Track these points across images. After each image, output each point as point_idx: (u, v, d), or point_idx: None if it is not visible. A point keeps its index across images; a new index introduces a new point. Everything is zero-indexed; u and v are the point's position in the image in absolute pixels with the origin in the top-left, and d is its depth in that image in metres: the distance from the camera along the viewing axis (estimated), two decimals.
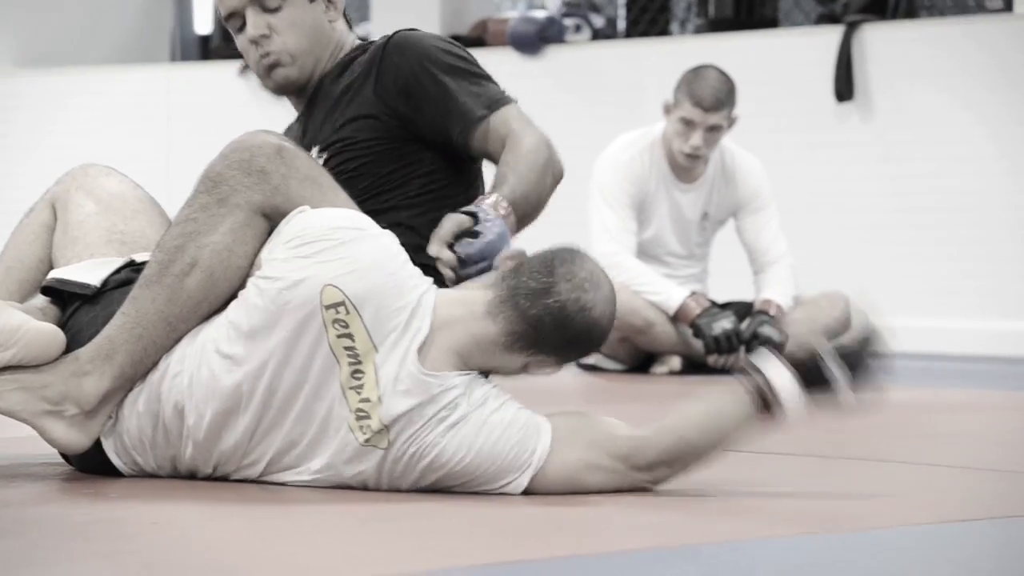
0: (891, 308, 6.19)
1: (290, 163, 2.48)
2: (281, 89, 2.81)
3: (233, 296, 2.47)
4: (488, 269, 2.49)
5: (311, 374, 2.40)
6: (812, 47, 6.40)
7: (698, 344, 4.99)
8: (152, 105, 8.05)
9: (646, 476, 2.42)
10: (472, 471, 2.40)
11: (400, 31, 2.77)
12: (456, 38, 7.40)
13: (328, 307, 2.39)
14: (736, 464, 2.82)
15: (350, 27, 2.86)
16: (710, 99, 5.00)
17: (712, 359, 4.97)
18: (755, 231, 5.16)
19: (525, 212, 2.60)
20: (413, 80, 2.70)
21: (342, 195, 2.53)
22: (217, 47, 8.34)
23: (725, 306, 5.17)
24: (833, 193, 6.30)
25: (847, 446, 3.25)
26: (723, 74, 5.09)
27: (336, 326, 2.39)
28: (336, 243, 2.41)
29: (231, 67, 7.77)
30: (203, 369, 2.44)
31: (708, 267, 5.33)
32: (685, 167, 5.13)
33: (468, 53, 2.78)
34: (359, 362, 2.39)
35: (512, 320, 2.39)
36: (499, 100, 2.71)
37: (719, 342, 4.91)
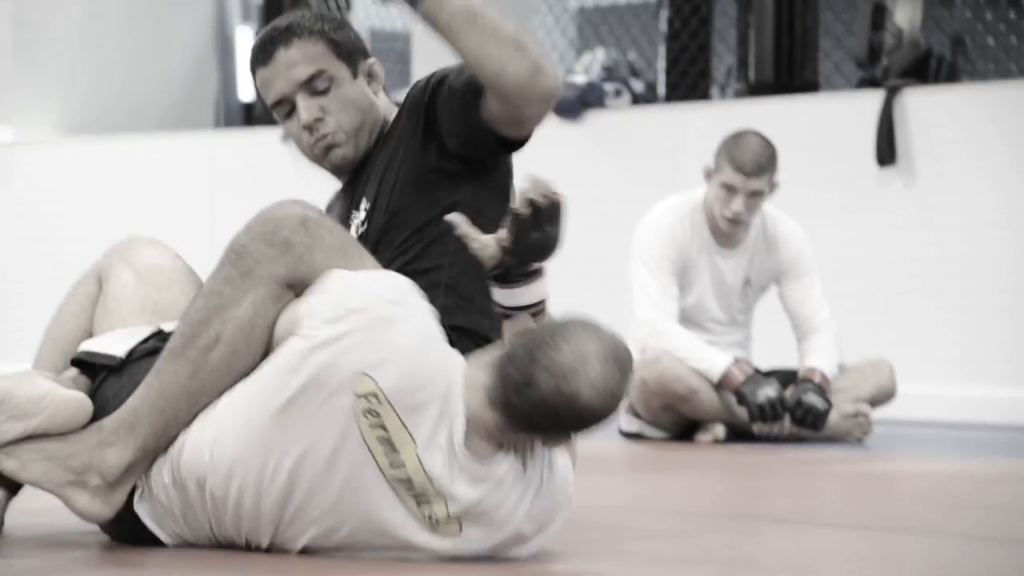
0: (932, 375, 6.16)
1: (314, 233, 2.48)
2: (338, 169, 2.81)
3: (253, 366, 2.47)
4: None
5: (340, 464, 2.39)
6: (853, 111, 6.39)
7: (742, 412, 4.96)
8: (196, 171, 8.10)
9: None
10: (541, 534, 2.43)
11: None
12: None
13: (360, 396, 2.38)
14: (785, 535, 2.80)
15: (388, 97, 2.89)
16: (751, 164, 4.99)
17: (757, 427, 4.93)
18: (798, 297, 5.14)
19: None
20: (429, 95, 2.71)
21: (370, 262, 2.53)
22: (260, 114, 8.40)
23: (769, 374, 5.14)
24: (875, 258, 6.27)
25: (898, 517, 3.22)
26: (764, 139, 5.08)
27: (368, 415, 2.38)
28: (377, 320, 2.40)
29: (274, 133, 7.82)
30: (224, 444, 2.43)
31: (751, 333, 5.30)
32: (726, 233, 5.11)
33: None
34: (396, 451, 2.38)
35: (507, 412, 2.36)
36: None
37: (763, 410, 4.88)
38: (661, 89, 7.55)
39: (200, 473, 2.44)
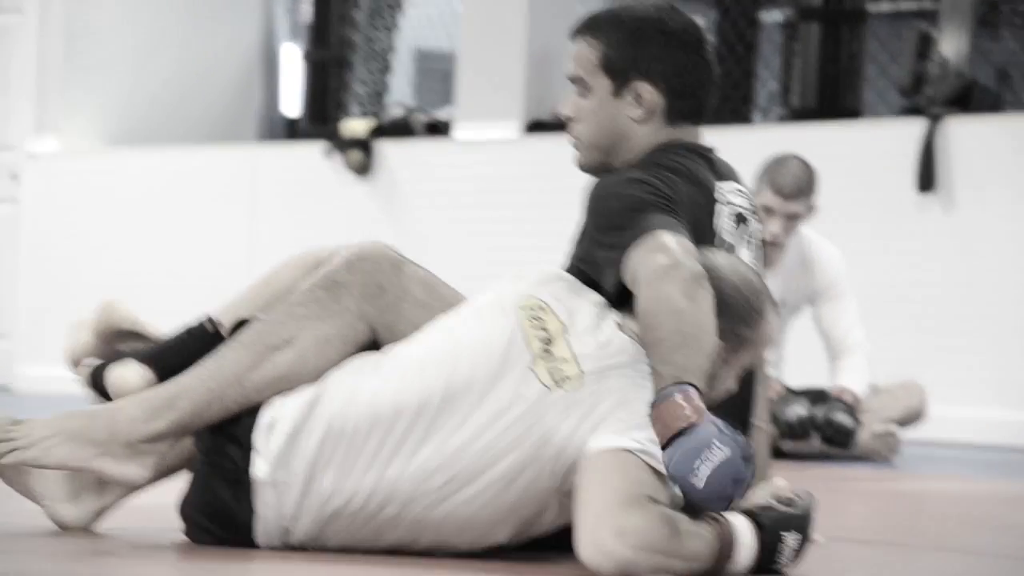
0: (965, 400, 6.13)
1: (406, 286, 2.53)
2: (580, 170, 2.76)
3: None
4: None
5: (500, 359, 2.46)
6: (895, 138, 6.38)
7: (771, 429, 4.96)
8: (238, 184, 8.16)
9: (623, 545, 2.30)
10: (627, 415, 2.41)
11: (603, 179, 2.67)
12: (539, 124, 7.51)
13: (523, 308, 2.49)
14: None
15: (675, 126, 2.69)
16: (790, 187, 5.00)
17: (786, 444, 4.94)
18: (832, 319, 5.14)
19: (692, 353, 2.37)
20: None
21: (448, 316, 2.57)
22: (304, 128, 8.46)
23: (799, 393, 5.14)
24: (911, 283, 6.26)
25: (923, 534, 3.21)
26: (805, 163, 5.09)
27: (532, 321, 2.48)
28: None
29: (317, 148, 7.87)
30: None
31: (783, 354, 5.30)
32: (764, 255, 5.12)
33: (632, 191, 2.57)
34: (550, 342, 2.46)
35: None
36: (621, 247, 2.50)
37: (793, 427, 4.89)
38: None
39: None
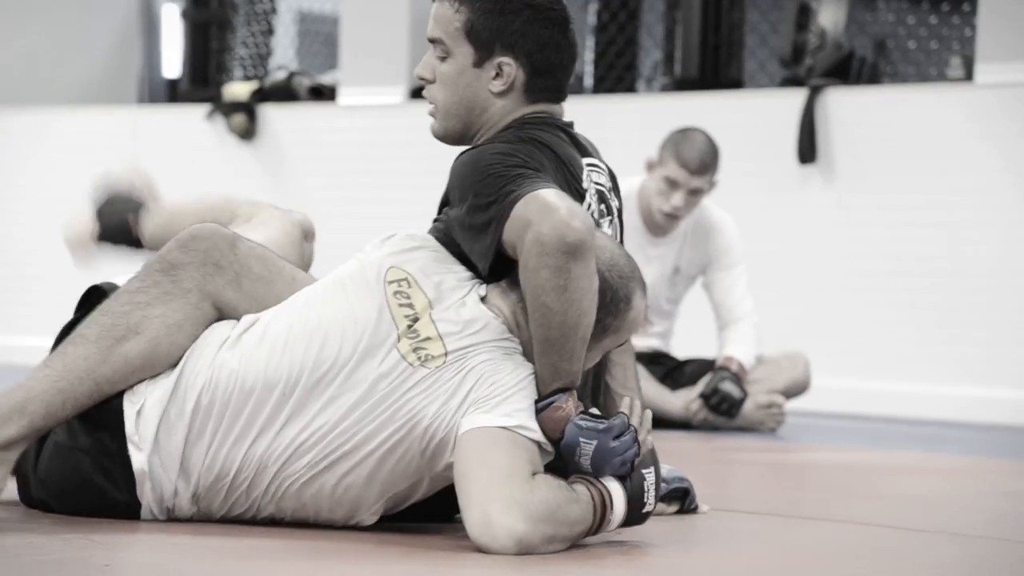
0: (846, 371, 6.24)
1: (244, 261, 2.53)
2: (436, 138, 2.72)
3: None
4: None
5: (365, 338, 2.48)
6: (776, 109, 6.45)
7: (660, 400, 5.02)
8: (118, 147, 8.05)
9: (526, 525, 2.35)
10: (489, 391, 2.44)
11: (466, 151, 2.62)
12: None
13: (390, 283, 2.50)
14: (693, 521, 2.84)
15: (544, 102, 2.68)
16: (696, 162, 5.03)
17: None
18: (724, 288, 5.18)
19: (556, 335, 2.42)
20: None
21: (293, 293, 2.56)
22: (185, 91, 8.35)
23: (686, 363, 5.20)
24: (794, 253, 6.35)
25: (804, 505, 3.27)
26: (710, 139, 5.12)
27: (398, 296, 2.49)
28: (399, 240, 2.58)
29: (199, 111, 7.78)
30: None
31: (674, 327, 5.35)
32: (660, 225, 5.16)
33: (499, 160, 2.54)
34: (416, 320, 2.48)
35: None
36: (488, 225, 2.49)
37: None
38: (588, 81, 7.59)
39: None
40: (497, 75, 2.65)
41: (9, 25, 8.50)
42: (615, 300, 2.50)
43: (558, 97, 2.71)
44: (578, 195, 2.63)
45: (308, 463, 2.46)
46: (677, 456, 4.18)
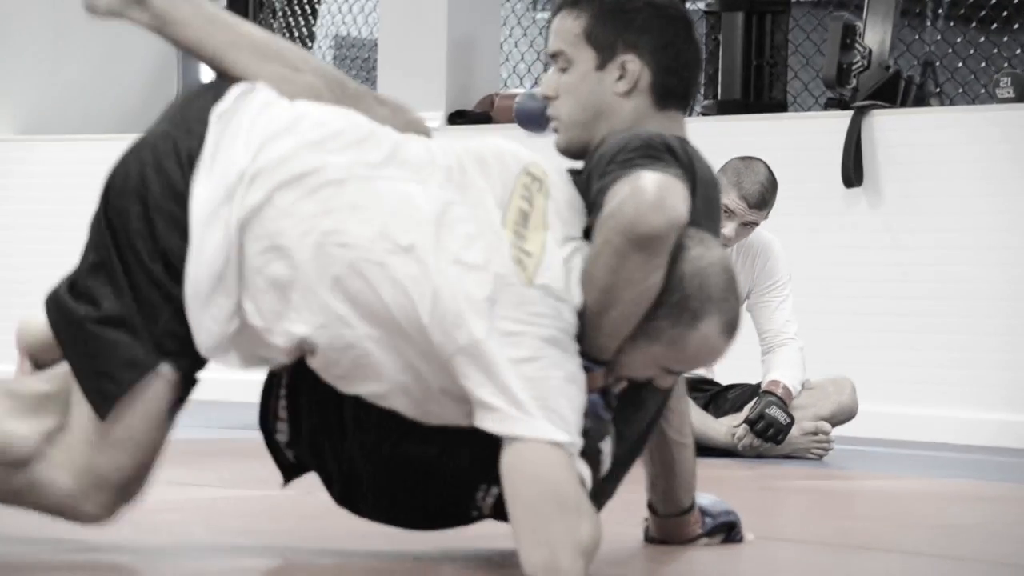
0: (895, 397, 6.14)
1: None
2: (561, 153, 2.62)
3: None
4: None
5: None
6: (821, 131, 6.37)
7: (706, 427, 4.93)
8: None
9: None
10: None
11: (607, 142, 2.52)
12: (461, 114, 7.42)
13: (527, 174, 2.39)
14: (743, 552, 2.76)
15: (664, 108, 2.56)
16: (756, 197, 4.96)
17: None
18: (769, 311, 5.09)
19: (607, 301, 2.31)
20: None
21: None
22: None
23: (729, 389, 5.12)
24: (839, 277, 6.26)
25: (853, 534, 3.19)
26: (771, 173, 5.06)
27: (522, 189, 2.38)
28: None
29: None
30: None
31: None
32: None
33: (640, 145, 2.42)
34: (525, 227, 2.34)
35: None
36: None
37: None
38: None
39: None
40: (621, 76, 2.53)
41: (45, 54, 8.51)
42: (682, 309, 2.31)
43: (685, 104, 2.58)
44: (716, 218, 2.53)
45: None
46: (722, 484, 4.08)
